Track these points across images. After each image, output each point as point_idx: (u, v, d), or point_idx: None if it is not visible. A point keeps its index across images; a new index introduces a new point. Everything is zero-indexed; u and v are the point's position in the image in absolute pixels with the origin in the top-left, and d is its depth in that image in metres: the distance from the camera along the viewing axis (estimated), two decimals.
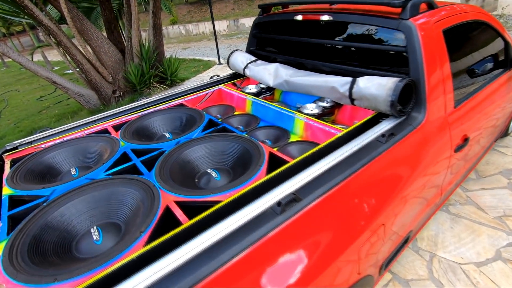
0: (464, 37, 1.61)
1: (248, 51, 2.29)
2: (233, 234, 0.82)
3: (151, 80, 5.05)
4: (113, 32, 5.08)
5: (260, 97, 1.99)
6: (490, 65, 1.77)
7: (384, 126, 1.26)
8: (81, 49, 4.55)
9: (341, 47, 1.66)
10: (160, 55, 5.21)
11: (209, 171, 1.27)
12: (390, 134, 1.19)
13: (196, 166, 1.30)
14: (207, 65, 7.42)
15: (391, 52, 1.44)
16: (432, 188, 1.48)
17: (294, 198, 0.91)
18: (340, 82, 1.47)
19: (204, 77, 6.26)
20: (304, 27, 1.88)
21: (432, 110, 1.36)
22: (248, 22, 12.66)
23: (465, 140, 1.57)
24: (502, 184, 2.17)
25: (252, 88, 2.01)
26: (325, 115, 1.58)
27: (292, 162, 1.11)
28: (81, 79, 4.96)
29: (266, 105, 1.72)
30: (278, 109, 1.63)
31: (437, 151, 1.39)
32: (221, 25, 13.05)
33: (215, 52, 7.82)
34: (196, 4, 15.16)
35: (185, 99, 1.96)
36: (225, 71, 6.46)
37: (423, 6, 1.43)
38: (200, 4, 15.00)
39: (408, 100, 1.33)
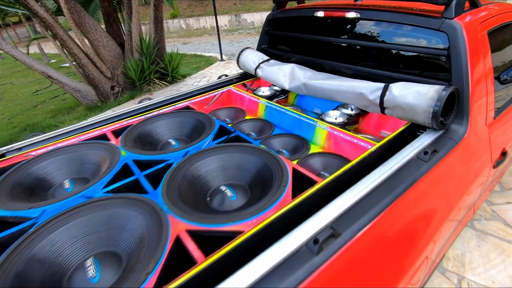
0: (506, 39, 1.45)
1: (260, 49, 2.12)
2: (263, 280, 0.66)
3: (151, 76, 4.85)
4: (112, 25, 4.86)
5: (274, 100, 1.82)
6: None
7: (424, 140, 1.11)
8: (78, 42, 4.35)
9: (366, 48, 1.50)
10: (161, 50, 5.01)
11: (223, 189, 1.11)
12: (433, 151, 1.04)
13: (208, 182, 1.14)
14: (209, 61, 7.21)
15: (427, 56, 1.28)
16: (468, 208, 1.33)
17: (333, 233, 0.76)
18: (369, 88, 1.30)
19: (206, 73, 6.07)
20: (324, 25, 1.72)
21: (474, 122, 1.20)
22: (250, 17, 12.42)
23: (504, 154, 1.42)
24: None
25: (266, 91, 1.84)
26: (349, 124, 1.42)
27: (322, 183, 0.95)
28: (78, 73, 4.76)
29: (283, 110, 1.55)
30: (297, 116, 1.47)
31: (478, 168, 1.24)
32: (223, 20, 12.79)
33: (217, 48, 7.62)
34: None
35: (192, 101, 1.79)
36: (227, 68, 6.27)
37: (466, 4, 1.27)
38: None
39: (448, 110, 1.17)
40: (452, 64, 1.17)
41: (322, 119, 1.42)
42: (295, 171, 1.07)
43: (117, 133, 1.49)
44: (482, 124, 1.26)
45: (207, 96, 1.86)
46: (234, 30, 12.24)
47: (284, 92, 1.88)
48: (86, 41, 4.49)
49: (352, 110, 1.46)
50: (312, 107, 1.77)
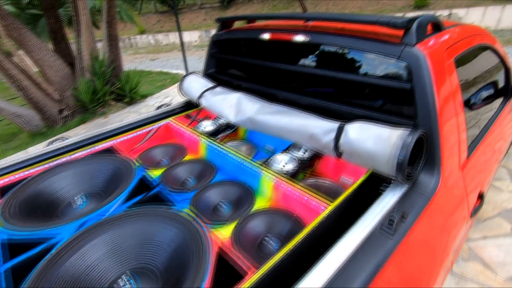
0: (472, 65, 1.28)
1: (206, 74, 1.85)
2: None
3: (106, 98, 4.44)
4: (60, 43, 4.43)
5: (219, 136, 1.54)
6: (490, 95, 1.48)
7: (388, 201, 0.86)
8: (18, 62, 3.88)
9: (319, 77, 1.27)
10: (117, 69, 4.62)
11: (122, 283, 0.80)
12: (400, 217, 0.79)
13: (103, 273, 0.81)
14: (175, 78, 6.89)
15: (388, 88, 1.06)
16: (448, 261, 1.10)
17: None
18: (322, 129, 1.06)
19: (169, 92, 5.73)
20: (272, 49, 1.48)
21: (447, 168, 0.98)
22: None
23: (481, 197, 1.22)
24: (504, 230, 1.87)
25: (208, 125, 1.56)
26: (302, 169, 1.17)
27: (253, 279, 0.66)
28: (21, 97, 4.26)
29: (224, 152, 1.27)
30: (238, 161, 1.19)
31: (454, 224, 1.01)
32: (193, 36, 12.58)
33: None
34: (166, 14, 14.60)
35: (119, 139, 1.46)
36: None
37: (428, 27, 1.08)
38: (171, 13, 14.46)
39: (416, 157, 0.94)
40: (416, 99, 0.95)
41: (268, 165, 1.15)
42: (220, 256, 0.78)
43: (6, 191, 1.13)
44: (455, 169, 1.05)
45: (139, 133, 1.54)
46: (204, 46, 12.05)
47: (233, 125, 1.61)
48: (28, 60, 4.03)
49: (305, 152, 1.20)
50: (264, 142, 1.51)
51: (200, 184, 1.25)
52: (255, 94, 1.50)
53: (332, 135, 1.02)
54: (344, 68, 1.15)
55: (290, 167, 1.12)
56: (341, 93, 1.21)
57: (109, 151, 1.39)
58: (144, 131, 1.57)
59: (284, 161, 1.15)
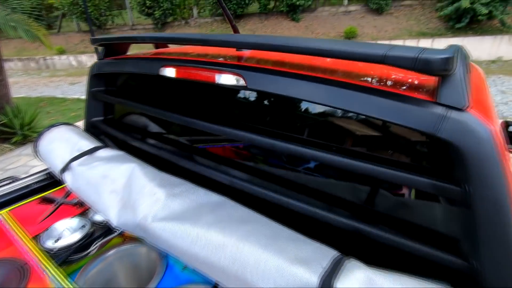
0: None
1: (89, 125, 1.17)
2: None
3: None
4: None
5: (96, 244, 0.86)
6: None
7: None
8: None
9: (273, 150, 0.71)
10: (1, 100, 3.51)
11: None
12: None
13: None
14: None
15: (410, 188, 0.54)
16: None
17: None
18: (280, 283, 0.47)
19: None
20: (186, 92, 0.89)
21: None
22: None
23: None
24: None
25: (68, 232, 0.85)
26: None
27: None
28: None
29: None
30: None
31: None
32: None
33: None
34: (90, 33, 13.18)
35: None
36: None
37: None
38: (96, 33, 13.10)
39: None
40: (479, 221, 0.44)
41: None
42: None
43: None
44: None
45: None
46: None
47: None
48: None
49: None
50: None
51: None
52: (162, 167, 0.87)
53: None
54: (315, 139, 0.61)
55: None
56: (314, 186, 0.67)
57: None
58: None
59: None
